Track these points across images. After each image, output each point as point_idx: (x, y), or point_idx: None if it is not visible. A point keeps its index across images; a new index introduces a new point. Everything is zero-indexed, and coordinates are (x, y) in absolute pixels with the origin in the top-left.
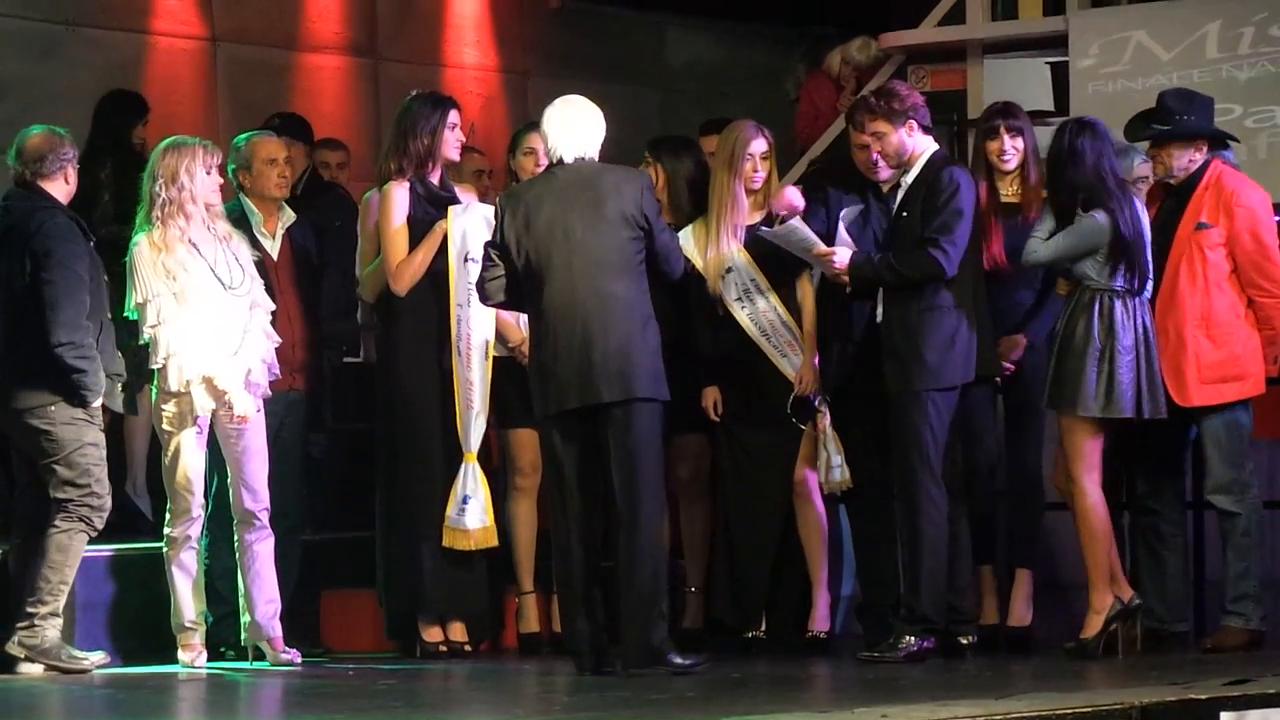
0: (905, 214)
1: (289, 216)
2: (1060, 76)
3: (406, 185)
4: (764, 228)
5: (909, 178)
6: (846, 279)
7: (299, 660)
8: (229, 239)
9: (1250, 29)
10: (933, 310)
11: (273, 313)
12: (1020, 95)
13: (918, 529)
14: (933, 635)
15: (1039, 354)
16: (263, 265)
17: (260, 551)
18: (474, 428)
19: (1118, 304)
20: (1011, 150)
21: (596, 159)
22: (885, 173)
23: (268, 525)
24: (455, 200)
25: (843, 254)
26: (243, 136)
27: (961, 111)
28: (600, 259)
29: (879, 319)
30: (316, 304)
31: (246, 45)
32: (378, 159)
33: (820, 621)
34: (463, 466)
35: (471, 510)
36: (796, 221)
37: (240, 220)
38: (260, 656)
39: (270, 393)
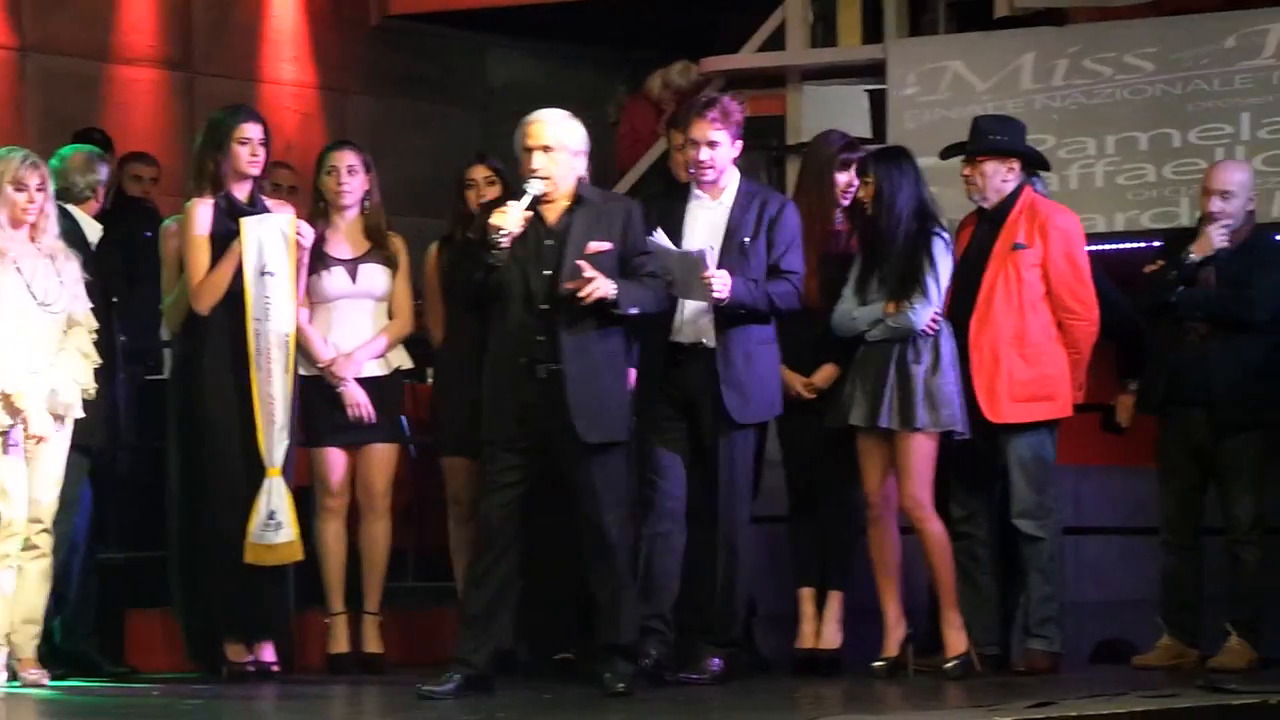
0: (746, 239)
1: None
2: (878, 104)
3: (210, 201)
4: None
5: (727, 198)
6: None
7: (46, 681)
8: (55, 256)
9: (1064, 61)
10: (766, 344)
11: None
12: (839, 122)
13: (738, 555)
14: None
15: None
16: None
17: (30, 569)
18: (277, 443)
19: (943, 322)
20: (855, 187)
21: None
22: (709, 175)
23: (41, 545)
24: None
25: (725, 277)
26: (68, 149)
27: (780, 137)
28: None
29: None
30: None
31: (58, 56)
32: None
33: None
34: (266, 482)
35: (276, 526)
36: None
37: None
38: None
39: (82, 413)
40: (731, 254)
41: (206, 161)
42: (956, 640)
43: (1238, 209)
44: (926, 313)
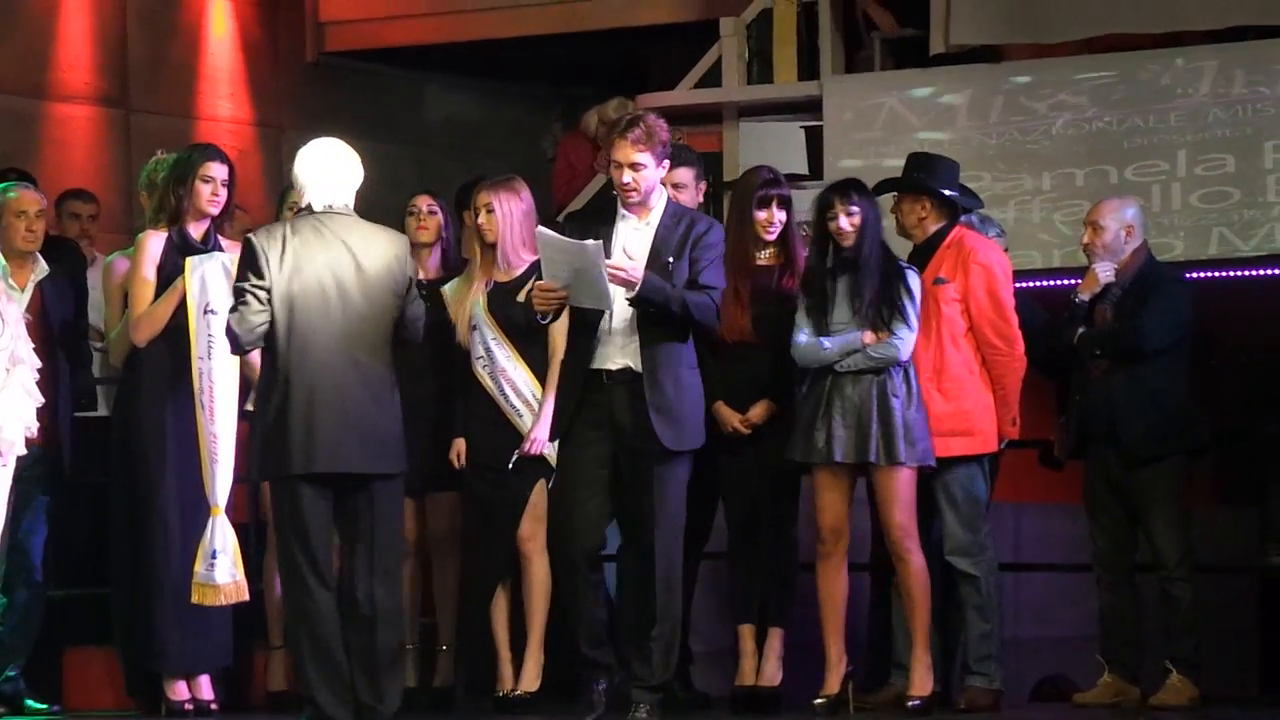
0: (670, 259)
1: (42, 269)
2: (814, 141)
3: (163, 235)
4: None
5: (654, 218)
6: (633, 293)
7: None
8: None
9: (1000, 98)
10: (692, 368)
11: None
12: (775, 159)
13: (679, 587)
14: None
15: (791, 417)
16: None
17: None
18: (220, 481)
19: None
20: (778, 223)
21: (352, 208)
22: (634, 198)
23: None
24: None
25: (638, 267)
26: None
27: (717, 173)
28: (363, 326)
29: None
30: (58, 358)
31: None
32: (128, 211)
33: (530, 680)
34: (210, 521)
35: (221, 565)
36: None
37: None
38: None
39: (25, 450)
40: (654, 273)
41: (168, 195)
42: (924, 679)
43: (1108, 242)
44: (910, 341)
